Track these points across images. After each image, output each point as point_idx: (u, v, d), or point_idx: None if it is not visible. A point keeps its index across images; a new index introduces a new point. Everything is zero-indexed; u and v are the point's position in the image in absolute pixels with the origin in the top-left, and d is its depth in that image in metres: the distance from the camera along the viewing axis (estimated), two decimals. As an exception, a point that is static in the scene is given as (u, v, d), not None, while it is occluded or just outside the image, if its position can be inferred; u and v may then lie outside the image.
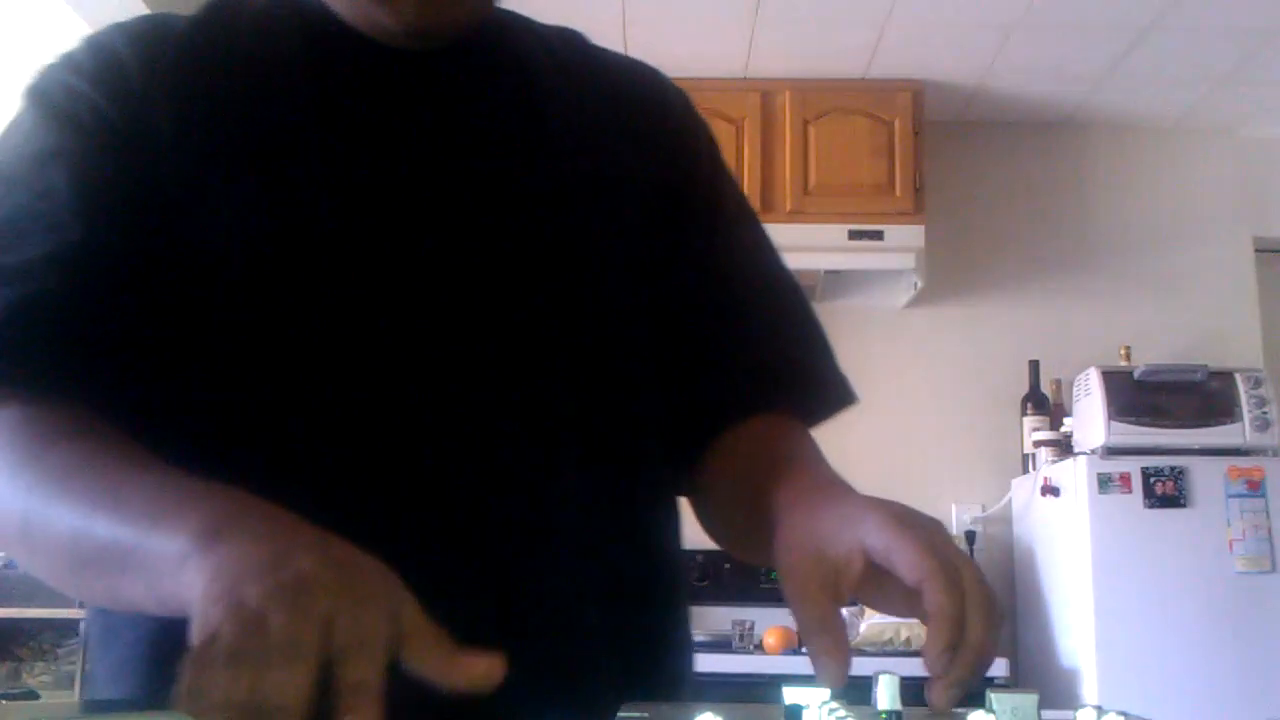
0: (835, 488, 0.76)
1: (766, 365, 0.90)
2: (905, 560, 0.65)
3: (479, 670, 0.53)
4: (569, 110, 0.89)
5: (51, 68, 0.83)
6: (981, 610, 0.64)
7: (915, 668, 0.64)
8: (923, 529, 0.67)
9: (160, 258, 0.77)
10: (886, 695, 0.59)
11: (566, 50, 0.94)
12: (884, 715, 0.58)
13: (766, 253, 0.96)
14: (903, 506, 0.70)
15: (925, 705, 0.63)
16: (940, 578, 0.64)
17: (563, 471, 0.81)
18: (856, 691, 0.61)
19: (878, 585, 0.68)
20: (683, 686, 0.87)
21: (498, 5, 0.88)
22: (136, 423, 0.75)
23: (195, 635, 0.52)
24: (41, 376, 0.73)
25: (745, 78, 3.70)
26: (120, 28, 0.84)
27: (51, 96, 0.82)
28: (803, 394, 0.91)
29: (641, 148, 0.91)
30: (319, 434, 0.77)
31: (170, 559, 0.59)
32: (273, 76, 0.83)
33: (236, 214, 0.78)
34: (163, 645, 0.74)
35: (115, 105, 0.80)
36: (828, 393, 0.92)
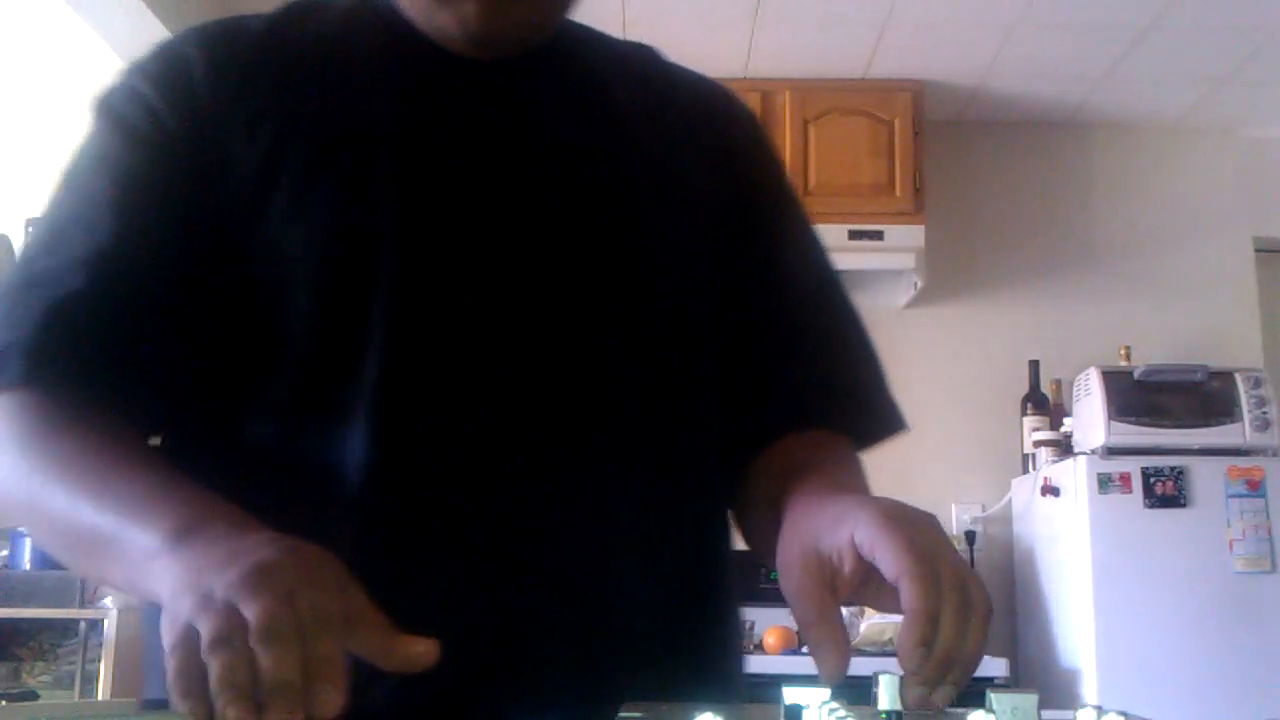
0: (842, 490, 0.76)
1: (819, 385, 0.90)
2: (885, 556, 0.65)
3: (415, 651, 0.57)
4: (640, 125, 0.89)
5: (122, 72, 0.86)
6: (955, 612, 0.63)
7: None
8: (910, 525, 0.67)
9: (215, 261, 0.79)
10: (887, 695, 0.59)
11: (640, 65, 0.95)
12: (884, 715, 0.58)
13: (828, 278, 0.96)
14: (897, 503, 0.70)
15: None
16: (916, 574, 0.63)
17: (626, 477, 0.81)
18: (856, 691, 0.61)
19: (871, 583, 0.68)
20: (735, 687, 0.87)
21: (568, 19, 0.89)
22: (155, 423, 0.79)
23: (165, 628, 0.56)
24: (62, 378, 0.76)
25: (745, 78, 3.70)
26: (195, 32, 0.86)
27: (112, 102, 0.84)
28: (854, 415, 0.91)
29: (710, 166, 0.91)
30: (387, 441, 0.77)
31: (143, 551, 0.64)
32: (348, 83, 0.84)
33: (308, 218, 0.79)
34: None
35: (176, 111, 0.81)
36: (880, 416, 0.92)
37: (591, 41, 0.94)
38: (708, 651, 0.86)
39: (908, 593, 0.63)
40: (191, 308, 0.79)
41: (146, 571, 0.64)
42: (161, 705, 0.77)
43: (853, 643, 2.73)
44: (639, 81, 0.93)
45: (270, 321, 0.79)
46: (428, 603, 0.70)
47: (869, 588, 0.68)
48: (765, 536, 0.86)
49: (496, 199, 0.82)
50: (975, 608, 0.64)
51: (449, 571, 0.76)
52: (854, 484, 0.80)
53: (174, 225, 0.79)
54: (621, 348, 0.82)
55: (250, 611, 0.53)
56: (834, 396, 0.90)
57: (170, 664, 0.53)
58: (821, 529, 0.70)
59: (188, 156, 0.80)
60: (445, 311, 0.79)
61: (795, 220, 0.97)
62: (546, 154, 0.84)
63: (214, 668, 0.52)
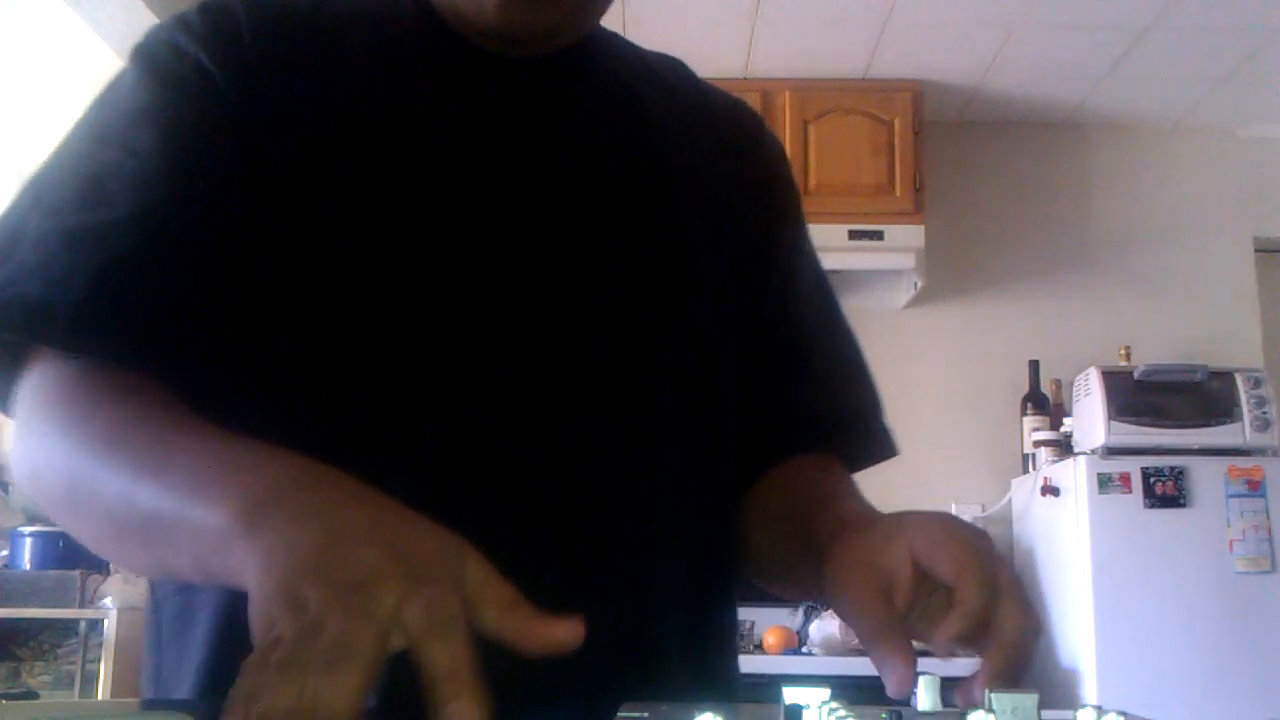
0: (881, 514, 0.77)
1: (825, 411, 0.93)
2: (944, 558, 0.66)
3: (558, 633, 0.52)
4: (670, 130, 0.90)
5: (160, 27, 0.81)
6: (1017, 602, 0.65)
7: (949, 668, 0.64)
8: (966, 531, 0.69)
9: (255, 225, 0.75)
10: (928, 697, 0.59)
11: (672, 76, 0.95)
12: (884, 716, 0.58)
13: (832, 306, 0.99)
14: (948, 515, 0.72)
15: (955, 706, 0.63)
16: (975, 571, 0.65)
17: (661, 478, 0.81)
18: (856, 691, 0.61)
19: (927, 592, 0.68)
20: (735, 687, 0.88)
21: (600, 25, 0.88)
22: (203, 393, 0.72)
23: (256, 636, 0.50)
24: (112, 345, 0.70)
25: (745, 78, 3.71)
26: None
27: (155, 54, 0.79)
28: (853, 441, 0.94)
29: (738, 183, 0.92)
30: (410, 428, 0.75)
31: (214, 534, 0.57)
32: (390, 65, 0.82)
33: (343, 195, 0.76)
34: (243, 630, 0.74)
35: (223, 67, 0.78)
36: (874, 442, 0.95)
37: (623, 48, 0.94)
38: (715, 649, 0.87)
39: (965, 586, 0.65)
40: (238, 269, 0.75)
41: (223, 557, 0.57)
42: (160, 705, 0.75)
43: (854, 643, 2.73)
44: (670, 91, 0.93)
45: (312, 295, 0.75)
46: None
47: (927, 597, 0.69)
48: (774, 561, 0.88)
49: (539, 195, 0.81)
50: (1032, 613, 0.66)
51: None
52: (876, 511, 0.80)
53: (225, 186, 0.75)
54: (657, 348, 0.83)
55: (331, 630, 0.48)
56: (838, 422, 0.93)
57: (243, 679, 0.48)
58: (875, 543, 0.70)
59: (235, 116, 0.76)
60: (485, 307, 0.77)
61: (809, 250, 0.99)
62: (574, 153, 0.84)
63: (273, 689, 0.47)
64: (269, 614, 0.50)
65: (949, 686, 0.61)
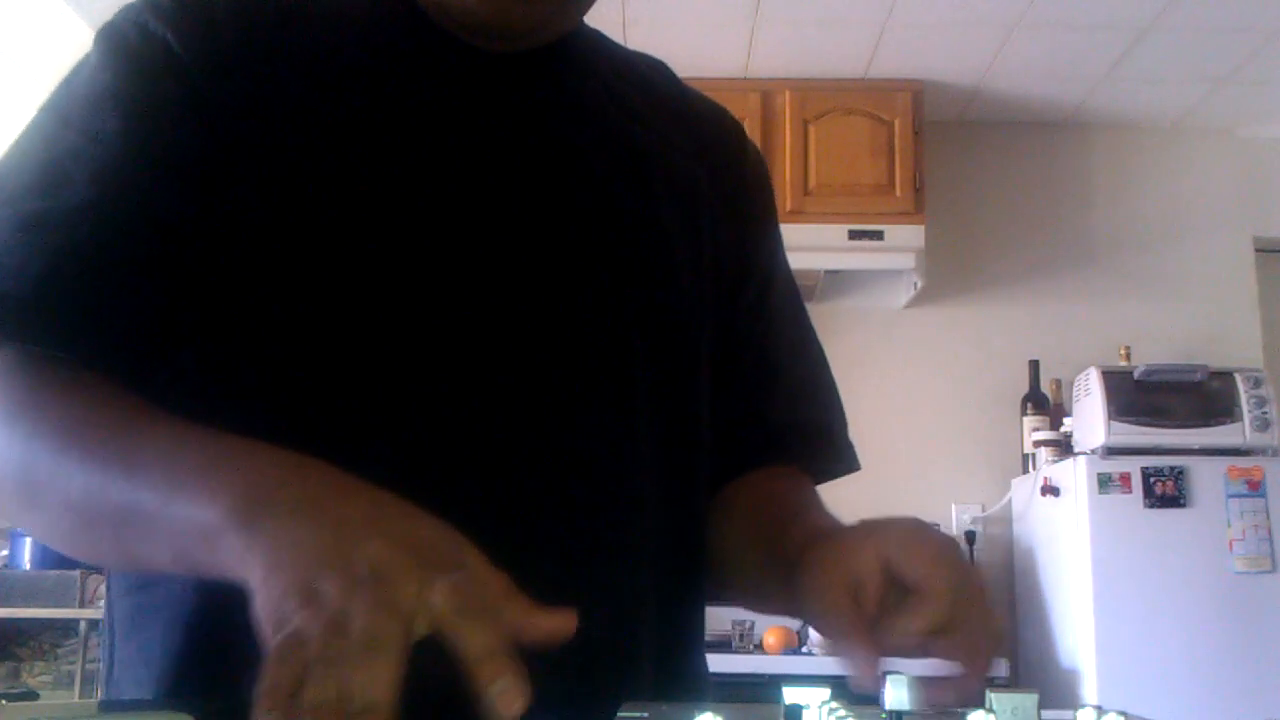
0: (849, 525, 0.78)
1: (794, 424, 0.94)
2: (912, 564, 0.68)
3: (554, 625, 0.53)
4: (651, 129, 0.89)
5: (129, 7, 0.78)
6: (983, 606, 0.68)
7: (923, 668, 0.64)
8: (934, 541, 0.70)
9: (224, 211, 0.73)
10: (894, 695, 0.59)
11: (655, 76, 0.95)
12: (884, 715, 0.58)
13: (804, 319, 1.00)
14: (917, 521, 0.73)
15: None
16: (939, 576, 0.67)
17: (638, 478, 0.81)
18: (856, 691, 0.61)
19: (894, 596, 0.69)
20: (705, 686, 0.89)
21: (583, 23, 0.88)
22: (165, 384, 0.71)
23: (267, 631, 0.50)
24: (63, 336, 0.69)
25: (745, 78, 3.70)
26: None
27: (122, 35, 0.76)
28: (820, 455, 0.95)
29: (717, 189, 0.92)
30: (383, 429, 0.74)
31: (202, 527, 0.57)
32: (369, 55, 0.80)
33: (317, 184, 0.74)
34: (199, 631, 0.73)
35: (192, 50, 0.75)
36: (839, 458, 0.96)
37: (606, 46, 0.93)
38: (684, 648, 0.87)
39: (934, 581, 0.67)
40: (202, 265, 0.72)
41: (214, 551, 0.56)
42: (118, 706, 0.73)
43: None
44: (652, 91, 0.93)
45: (284, 285, 0.74)
46: None
47: (895, 602, 0.70)
48: (739, 570, 0.89)
49: (516, 189, 0.80)
50: (992, 620, 0.68)
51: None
52: (843, 524, 0.82)
53: (191, 172, 0.73)
54: (636, 346, 0.82)
55: (358, 624, 0.48)
56: (807, 436, 0.94)
57: (269, 675, 0.47)
58: (847, 548, 0.72)
59: (204, 102, 0.74)
60: (461, 304, 0.76)
61: (784, 262, 0.99)
62: (554, 148, 0.83)
63: (306, 685, 0.47)
64: (282, 609, 0.50)
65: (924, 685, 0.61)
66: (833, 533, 0.76)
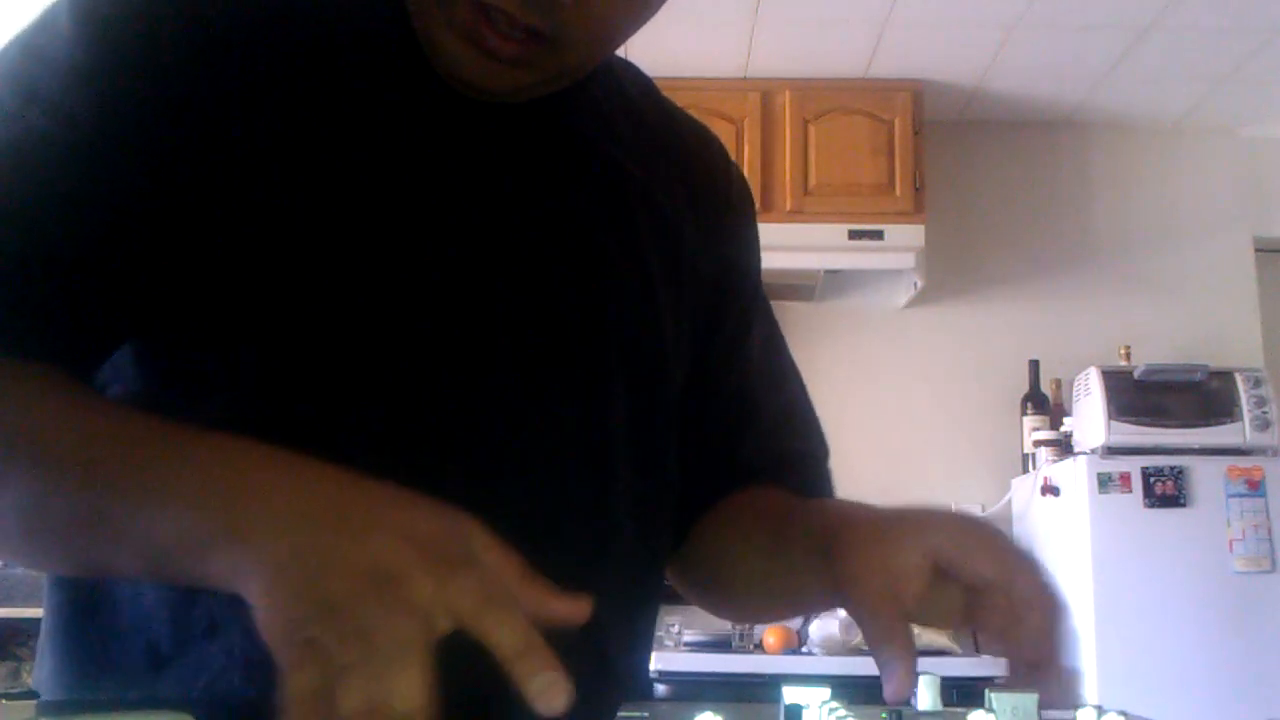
0: (880, 510, 0.76)
1: (775, 454, 0.92)
2: (982, 558, 0.67)
3: (569, 609, 0.53)
4: (638, 164, 0.87)
5: None
6: (1048, 606, 0.68)
7: (944, 667, 0.65)
8: (991, 530, 0.70)
9: (192, 212, 0.69)
10: (928, 695, 0.59)
11: (642, 100, 0.92)
12: (884, 715, 0.58)
13: (782, 347, 0.99)
14: (961, 513, 0.73)
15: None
16: (1025, 574, 0.67)
17: (614, 490, 0.81)
18: (856, 691, 0.61)
19: (937, 593, 0.69)
20: (648, 685, 0.90)
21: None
22: (132, 384, 0.69)
23: (277, 641, 0.48)
24: (23, 342, 0.65)
25: (745, 78, 3.70)
26: None
27: (102, 14, 0.69)
28: (803, 477, 0.94)
29: (699, 218, 0.90)
30: (359, 447, 0.69)
31: (186, 537, 0.54)
32: (361, 73, 0.75)
33: (297, 191, 0.71)
34: (137, 635, 0.71)
35: (178, 38, 0.69)
36: (818, 485, 0.94)
37: (598, 69, 0.88)
38: (641, 650, 0.87)
39: (1022, 588, 0.67)
40: (175, 266, 0.69)
41: (200, 560, 0.53)
42: (118, 706, 0.73)
43: (854, 643, 2.73)
44: (640, 122, 0.90)
45: (258, 287, 0.70)
46: None
47: (932, 601, 0.69)
48: (751, 582, 0.87)
49: (500, 224, 0.78)
50: (1061, 613, 0.68)
51: None
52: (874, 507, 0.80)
53: (163, 170, 0.68)
54: (618, 392, 0.81)
55: (380, 630, 0.47)
56: (788, 461, 0.93)
57: (293, 688, 0.46)
58: (890, 543, 0.70)
59: (185, 95, 0.69)
60: (447, 343, 0.74)
61: (761, 289, 0.98)
62: (543, 187, 0.81)
63: (343, 699, 0.45)
64: (292, 618, 0.49)
65: (949, 686, 0.61)
66: (865, 518, 0.73)
